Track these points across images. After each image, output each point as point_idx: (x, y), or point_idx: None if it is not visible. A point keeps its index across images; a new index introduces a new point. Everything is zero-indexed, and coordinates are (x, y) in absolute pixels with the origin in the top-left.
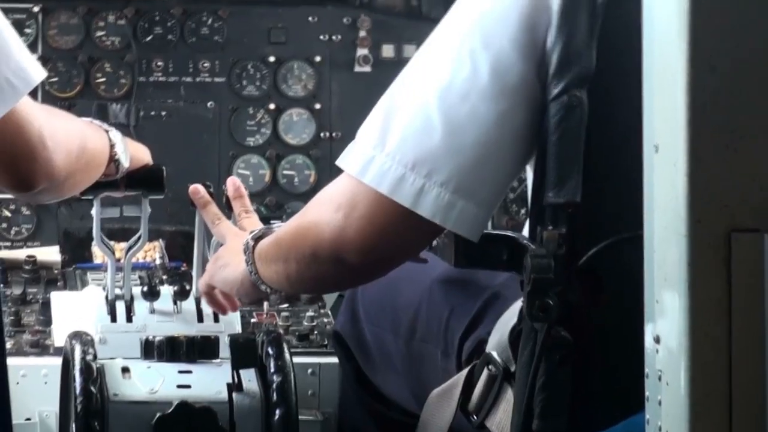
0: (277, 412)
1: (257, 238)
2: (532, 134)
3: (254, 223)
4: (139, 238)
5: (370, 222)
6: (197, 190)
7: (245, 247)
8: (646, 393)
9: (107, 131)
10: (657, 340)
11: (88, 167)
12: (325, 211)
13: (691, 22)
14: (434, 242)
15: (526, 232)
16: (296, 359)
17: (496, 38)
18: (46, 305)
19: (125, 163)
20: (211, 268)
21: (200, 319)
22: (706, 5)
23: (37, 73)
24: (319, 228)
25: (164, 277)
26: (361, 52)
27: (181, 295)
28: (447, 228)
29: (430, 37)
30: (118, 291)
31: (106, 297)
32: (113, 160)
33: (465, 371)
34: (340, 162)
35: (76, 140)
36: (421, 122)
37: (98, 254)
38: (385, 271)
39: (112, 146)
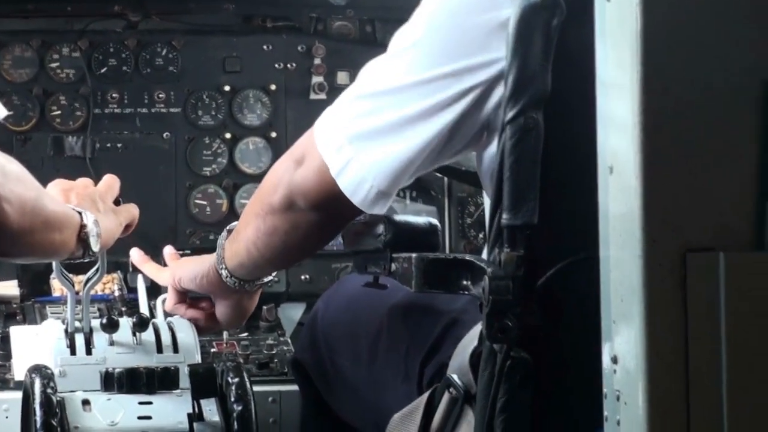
0: None
1: (231, 230)
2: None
3: (185, 261)
4: (97, 270)
5: (318, 173)
6: (132, 253)
7: (219, 241)
8: (605, 413)
9: (80, 212)
10: (614, 360)
11: (47, 228)
12: (283, 163)
13: (643, 43)
14: (393, 267)
15: (485, 255)
16: (256, 388)
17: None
18: (5, 339)
19: (94, 247)
20: (173, 272)
21: (159, 350)
22: (659, 27)
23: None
24: (276, 177)
25: (123, 308)
26: (316, 79)
27: (140, 326)
28: (353, 202)
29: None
30: (77, 324)
31: (66, 330)
32: (81, 239)
33: (426, 395)
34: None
35: (32, 192)
36: (371, 105)
37: (57, 287)
38: (336, 227)
39: (82, 226)
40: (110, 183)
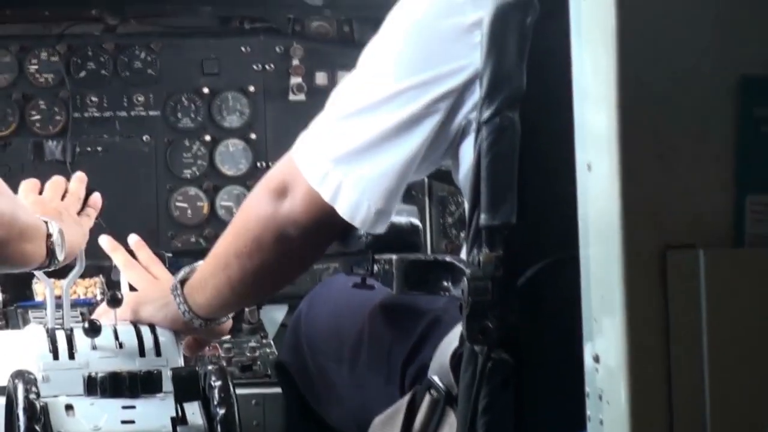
0: None
1: (183, 280)
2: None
3: (164, 269)
4: (75, 271)
5: (307, 201)
6: (103, 239)
7: (173, 290)
8: (588, 412)
9: (46, 222)
10: (596, 359)
11: (21, 238)
12: (260, 198)
13: (619, 40)
14: (376, 268)
15: (464, 255)
16: (240, 390)
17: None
18: None
19: (59, 256)
20: (132, 307)
21: (142, 353)
22: (634, 23)
23: None
24: (255, 213)
25: None
26: (295, 80)
27: (91, 332)
28: (355, 225)
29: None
30: (59, 328)
31: (48, 335)
32: (48, 249)
33: (407, 396)
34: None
35: (8, 203)
36: (349, 126)
37: (39, 292)
38: (325, 249)
39: (48, 236)
40: (75, 190)
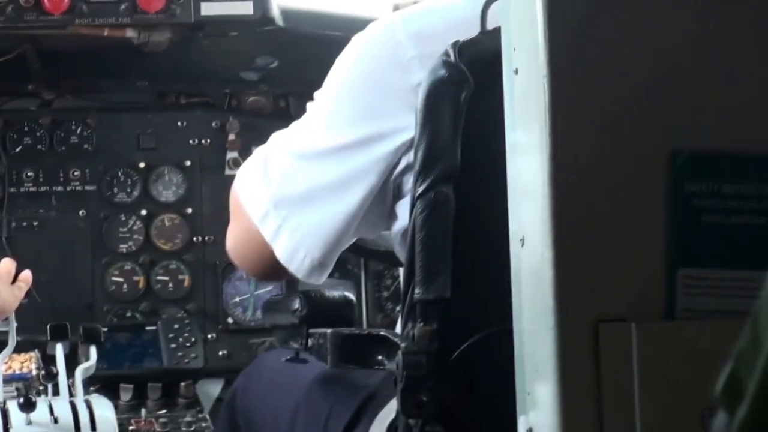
0: None
1: None
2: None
3: None
4: (8, 346)
5: (247, 232)
6: None
7: None
8: None
9: None
10: None
11: None
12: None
13: (551, 114)
14: (310, 342)
15: (399, 329)
16: None
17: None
18: None
19: None
20: None
21: (77, 429)
22: (567, 98)
23: None
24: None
25: (41, 387)
26: (231, 155)
27: (27, 407)
28: (290, 270)
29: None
30: None
31: None
32: None
33: None
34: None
35: None
36: (289, 169)
37: None
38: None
39: None
40: (7, 268)
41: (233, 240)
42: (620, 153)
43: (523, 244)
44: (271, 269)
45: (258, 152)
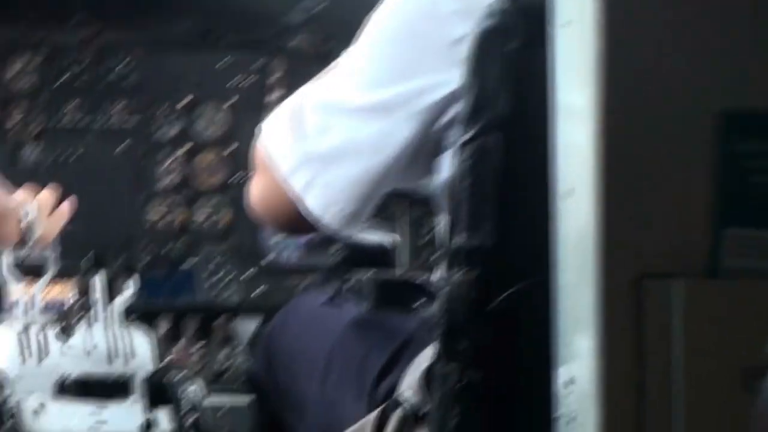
0: None
1: None
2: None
3: None
4: (48, 272)
5: (274, 184)
6: None
7: None
8: None
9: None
10: (569, 383)
11: None
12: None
13: (601, 68)
14: (348, 285)
15: (438, 275)
16: (209, 399)
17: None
18: None
19: (32, 239)
20: None
21: (115, 357)
22: (617, 51)
23: None
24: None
25: (79, 316)
26: (274, 95)
27: (64, 334)
28: (323, 222)
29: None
30: (31, 329)
31: (19, 336)
32: (22, 231)
33: (375, 413)
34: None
35: None
36: (323, 123)
37: (12, 293)
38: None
39: (23, 217)
40: (47, 198)
41: (259, 193)
42: (670, 109)
43: (567, 196)
44: (300, 223)
45: (286, 105)
